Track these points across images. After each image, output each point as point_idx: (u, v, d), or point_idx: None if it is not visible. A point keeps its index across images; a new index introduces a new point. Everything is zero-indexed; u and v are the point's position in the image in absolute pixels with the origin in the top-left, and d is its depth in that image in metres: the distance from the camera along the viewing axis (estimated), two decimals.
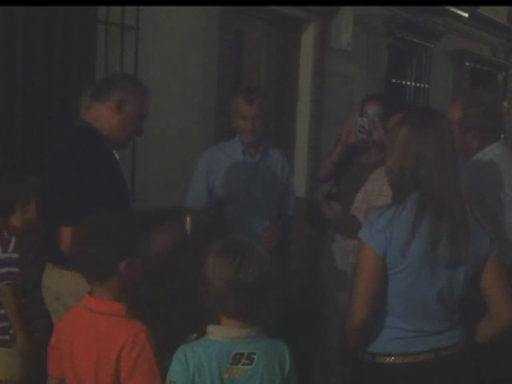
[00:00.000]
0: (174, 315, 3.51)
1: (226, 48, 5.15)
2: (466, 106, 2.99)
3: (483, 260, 2.33)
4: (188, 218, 3.85)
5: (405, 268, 2.25)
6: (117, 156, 3.05)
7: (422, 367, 2.33)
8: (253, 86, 4.40)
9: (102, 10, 4.15)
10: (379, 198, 3.09)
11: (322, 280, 4.20)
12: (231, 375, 2.06)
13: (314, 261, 4.57)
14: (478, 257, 2.31)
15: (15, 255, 3.19)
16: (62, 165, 2.76)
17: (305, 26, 6.19)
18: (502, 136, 3.16)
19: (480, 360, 2.48)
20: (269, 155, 3.92)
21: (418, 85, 7.88)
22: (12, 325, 3.20)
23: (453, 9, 8.17)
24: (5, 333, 3.23)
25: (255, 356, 2.09)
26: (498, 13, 9.56)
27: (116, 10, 4.26)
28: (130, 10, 4.35)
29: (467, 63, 9.02)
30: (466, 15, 8.51)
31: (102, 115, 2.85)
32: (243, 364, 2.07)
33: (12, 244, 3.20)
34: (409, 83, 7.82)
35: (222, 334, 2.10)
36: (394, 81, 7.49)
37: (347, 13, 6.23)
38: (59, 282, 2.84)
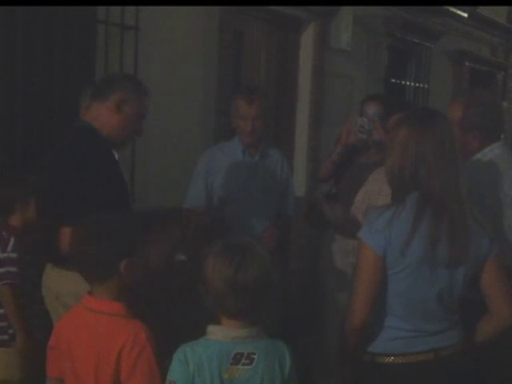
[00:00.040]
0: (174, 315, 3.52)
1: (225, 48, 5.15)
2: (466, 105, 2.99)
3: (483, 260, 2.33)
4: (188, 219, 3.86)
5: (404, 268, 2.25)
6: (116, 156, 3.05)
7: (422, 367, 2.33)
8: (252, 87, 4.40)
9: (101, 10, 4.15)
10: (379, 197, 3.09)
11: (322, 280, 4.20)
12: (231, 375, 2.06)
13: (314, 261, 4.57)
14: (478, 257, 2.32)
15: (14, 255, 3.19)
16: (62, 165, 2.76)
17: (304, 26, 6.19)
18: (502, 136, 3.16)
19: (480, 360, 2.48)
20: (268, 155, 3.92)
21: (417, 85, 7.89)
22: (11, 324, 3.20)
23: (452, 9, 8.17)
24: (4, 332, 3.23)
25: (255, 356, 2.09)
26: (497, 13, 9.56)
27: (116, 10, 4.26)
28: (130, 10, 4.35)
29: (467, 63, 9.02)
30: (466, 15, 8.51)
31: (102, 115, 2.86)
32: (243, 364, 2.07)
33: (11, 244, 3.20)
34: (408, 83, 7.83)
35: (222, 333, 2.10)
36: (393, 81, 7.49)
37: (347, 13, 6.23)
38: (59, 282, 2.84)
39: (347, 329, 2.37)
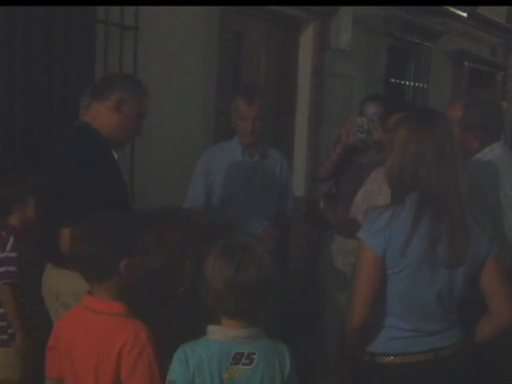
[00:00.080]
0: (174, 315, 3.51)
1: (225, 48, 5.15)
2: (466, 105, 2.98)
3: (482, 260, 2.33)
4: (187, 219, 3.86)
5: (404, 268, 2.25)
6: (116, 156, 3.05)
7: (421, 367, 2.33)
8: (252, 87, 4.40)
9: (101, 10, 4.15)
10: (379, 197, 3.10)
11: (322, 280, 4.20)
12: (231, 375, 2.06)
13: (314, 261, 4.57)
14: (477, 257, 2.32)
15: (13, 254, 3.19)
16: (62, 165, 2.76)
17: (304, 26, 6.19)
18: (502, 136, 3.16)
19: (479, 360, 2.48)
20: (268, 155, 3.92)
21: (417, 85, 7.89)
22: (11, 324, 3.21)
23: (452, 9, 8.17)
24: (3, 332, 3.23)
25: (255, 356, 2.09)
26: (497, 13, 9.57)
27: (115, 10, 4.26)
28: (129, 10, 4.35)
29: (466, 63, 9.03)
30: (465, 15, 8.51)
31: (101, 115, 2.86)
32: (243, 364, 2.07)
33: (10, 243, 3.21)
34: (408, 83, 7.83)
35: (222, 333, 2.10)
36: (393, 81, 7.49)
37: (346, 13, 6.24)
38: (59, 282, 2.84)
39: (347, 329, 2.37)
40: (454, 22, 8.48)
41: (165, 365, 2.12)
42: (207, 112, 5.05)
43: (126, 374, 2.12)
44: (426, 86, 7.97)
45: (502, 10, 9.96)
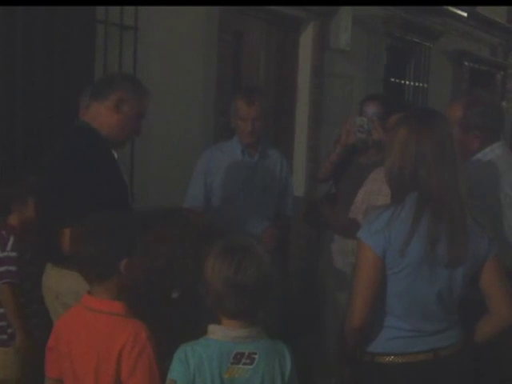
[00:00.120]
0: (174, 315, 3.52)
1: (225, 48, 5.15)
2: (466, 105, 2.98)
3: (482, 260, 2.33)
4: (187, 219, 3.86)
5: (404, 268, 2.25)
6: (116, 156, 3.05)
7: (421, 367, 2.33)
8: (252, 87, 4.40)
9: (100, 10, 4.15)
10: (378, 197, 3.10)
11: (322, 280, 4.20)
12: (231, 375, 2.06)
13: (314, 261, 4.57)
14: (477, 257, 2.32)
15: (13, 254, 3.20)
16: (62, 165, 2.76)
17: (304, 26, 6.19)
18: (502, 136, 3.16)
19: (479, 360, 2.48)
20: (268, 155, 3.92)
21: (417, 84, 7.89)
22: (11, 324, 3.21)
23: (452, 9, 8.17)
24: (3, 332, 3.23)
25: (256, 356, 2.09)
26: (497, 13, 9.57)
27: (115, 10, 4.26)
28: (129, 10, 4.35)
29: (466, 63, 9.03)
30: (465, 15, 8.51)
31: (101, 114, 2.86)
32: (244, 364, 2.07)
33: (10, 243, 3.21)
34: (408, 83, 7.83)
35: (222, 333, 2.10)
36: (393, 81, 7.49)
37: (346, 13, 6.23)
38: (59, 282, 2.84)
39: (347, 329, 2.37)
40: (453, 21, 8.48)
41: (165, 365, 2.12)
42: (207, 112, 5.05)
43: (126, 374, 2.12)
44: (425, 85, 7.97)
45: (502, 9, 9.96)
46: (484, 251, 2.32)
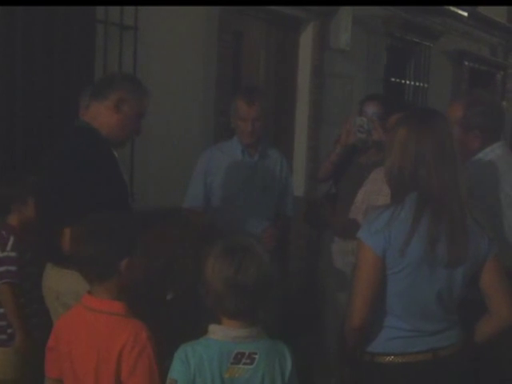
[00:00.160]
0: (174, 315, 3.51)
1: (225, 48, 5.15)
2: (467, 105, 2.98)
3: (482, 260, 2.33)
4: (187, 219, 3.86)
5: (404, 268, 2.25)
6: (116, 155, 3.05)
7: (421, 367, 2.33)
8: (252, 87, 4.40)
9: (100, 10, 4.15)
10: (378, 197, 3.10)
11: (322, 280, 4.20)
12: (232, 375, 2.06)
13: (314, 261, 4.57)
14: (477, 257, 2.32)
15: (13, 254, 3.20)
16: (62, 165, 2.76)
17: (304, 26, 6.19)
18: (502, 136, 3.16)
19: (479, 360, 2.48)
20: (268, 155, 3.92)
21: (417, 84, 7.89)
22: (10, 324, 3.21)
23: (452, 8, 8.17)
24: (2, 332, 3.23)
25: (256, 356, 2.09)
26: (497, 12, 9.56)
27: (115, 9, 4.26)
28: (129, 9, 4.35)
29: (466, 63, 9.02)
30: (466, 15, 8.51)
31: (101, 114, 2.86)
32: (244, 364, 2.07)
33: (10, 243, 3.21)
34: (408, 83, 7.83)
35: (222, 333, 2.10)
36: (393, 80, 7.49)
37: (346, 13, 6.23)
38: (59, 282, 2.84)
39: (347, 329, 2.38)
40: (453, 21, 8.47)
41: (165, 365, 2.12)
42: (207, 112, 5.05)
43: (126, 374, 2.13)
44: (425, 85, 7.97)
45: (503, 9, 9.95)
46: (484, 251, 2.32)
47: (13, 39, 3.73)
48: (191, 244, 3.43)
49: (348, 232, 2.61)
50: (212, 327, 2.13)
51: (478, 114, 2.95)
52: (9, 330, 3.23)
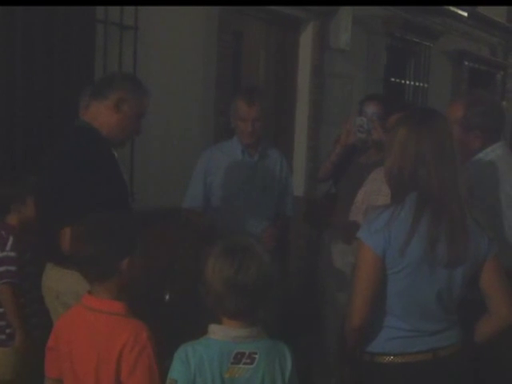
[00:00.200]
0: (174, 315, 3.52)
1: (225, 48, 5.15)
2: (467, 105, 2.98)
3: (482, 260, 2.33)
4: (187, 219, 3.86)
5: (404, 268, 2.25)
6: (116, 155, 3.05)
7: (421, 367, 2.33)
8: (252, 87, 4.40)
9: (100, 10, 4.15)
10: (378, 197, 3.09)
11: (322, 280, 4.20)
12: (232, 375, 2.06)
13: (314, 261, 4.57)
14: (477, 257, 2.32)
15: (13, 254, 3.20)
16: (62, 165, 2.76)
17: (304, 26, 6.19)
18: (502, 136, 3.15)
19: (479, 360, 2.48)
20: (267, 155, 3.92)
21: (416, 84, 7.89)
22: (10, 324, 3.21)
23: (452, 8, 8.17)
24: (1, 332, 3.23)
25: (256, 356, 2.09)
26: (497, 12, 9.56)
27: (115, 9, 4.26)
28: (129, 9, 4.35)
29: (466, 63, 9.02)
30: (465, 15, 8.51)
31: (101, 114, 2.86)
32: (244, 363, 2.07)
33: (9, 243, 3.21)
34: (408, 83, 7.83)
35: (223, 333, 2.10)
36: (393, 80, 7.49)
37: (346, 13, 6.23)
38: (59, 282, 2.84)
39: (346, 329, 2.37)
40: (453, 21, 8.47)
41: (165, 365, 2.12)
42: (207, 112, 5.05)
43: (126, 374, 2.12)
44: (425, 85, 7.97)
45: (502, 9, 9.95)
46: (484, 251, 2.32)
47: (13, 39, 3.73)
48: (191, 244, 3.44)
49: (352, 235, 2.59)
50: (212, 327, 2.13)
51: (478, 114, 2.95)
52: (8, 330, 3.23)
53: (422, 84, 7.92)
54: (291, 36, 6.16)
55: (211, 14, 4.99)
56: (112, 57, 4.28)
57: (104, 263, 2.21)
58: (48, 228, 2.80)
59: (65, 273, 2.78)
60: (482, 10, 8.98)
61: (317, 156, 6.19)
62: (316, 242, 4.65)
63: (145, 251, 2.32)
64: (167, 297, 3.24)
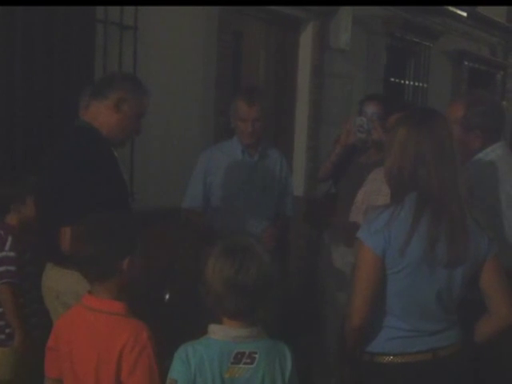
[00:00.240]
0: (174, 315, 3.52)
1: (224, 48, 5.16)
2: (467, 105, 2.98)
3: (482, 260, 2.33)
4: (186, 219, 3.86)
5: (403, 268, 2.25)
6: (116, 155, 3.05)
7: (420, 367, 2.33)
8: (252, 88, 4.40)
9: (100, 10, 4.15)
10: (378, 197, 3.09)
11: (321, 280, 4.20)
12: (232, 374, 2.06)
13: (314, 261, 4.57)
14: (477, 257, 2.32)
15: (12, 254, 3.20)
16: (62, 164, 2.76)
17: (304, 26, 6.19)
18: (502, 136, 3.15)
19: (479, 360, 2.48)
20: (267, 155, 3.92)
21: (416, 84, 7.89)
22: (10, 324, 3.21)
23: (452, 8, 8.17)
24: (1, 332, 3.23)
25: (256, 355, 2.09)
26: (496, 12, 9.56)
27: (114, 9, 4.26)
28: (129, 9, 4.35)
29: (466, 63, 9.02)
30: (465, 15, 8.51)
31: (101, 114, 2.86)
32: (244, 363, 2.07)
33: (9, 243, 3.21)
34: (407, 83, 7.83)
35: (223, 333, 2.10)
36: (392, 80, 7.49)
37: (346, 13, 6.23)
38: (59, 281, 2.84)
39: (346, 329, 2.37)
40: (453, 21, 8.47)
41: (165, 365, 2.12)
42: (207, 112, 5.05)
43: (126, 374, 2.12)
44: (425, 85, 7.97)
45: (502, 9, 9.95)
46: (484, 251, 2.32)
47: (13, 39, 3.73)
48: (191, 244, 3.43)
49: (353, 238, 2.59)
50: (212, 327, 2.13)
51: (478, 114, 2.94)
52: (7, 330, 3.23)
53: (421, 84, 7.92)
54: (291, 36, 6.16)
55: (211, 14, 4.99)
56: (112, 57, 4.28)
57: (104, 263, 2.21)
58: (48, 228, 2.80)
59: (65, 273, 2.78)
60: (482, 9, 8.98)
61: (317, 156, 6.19)
62: (316, 242, 4.65)
63: (145, 251, 2.32)
64: (167, 297, 3.24)
